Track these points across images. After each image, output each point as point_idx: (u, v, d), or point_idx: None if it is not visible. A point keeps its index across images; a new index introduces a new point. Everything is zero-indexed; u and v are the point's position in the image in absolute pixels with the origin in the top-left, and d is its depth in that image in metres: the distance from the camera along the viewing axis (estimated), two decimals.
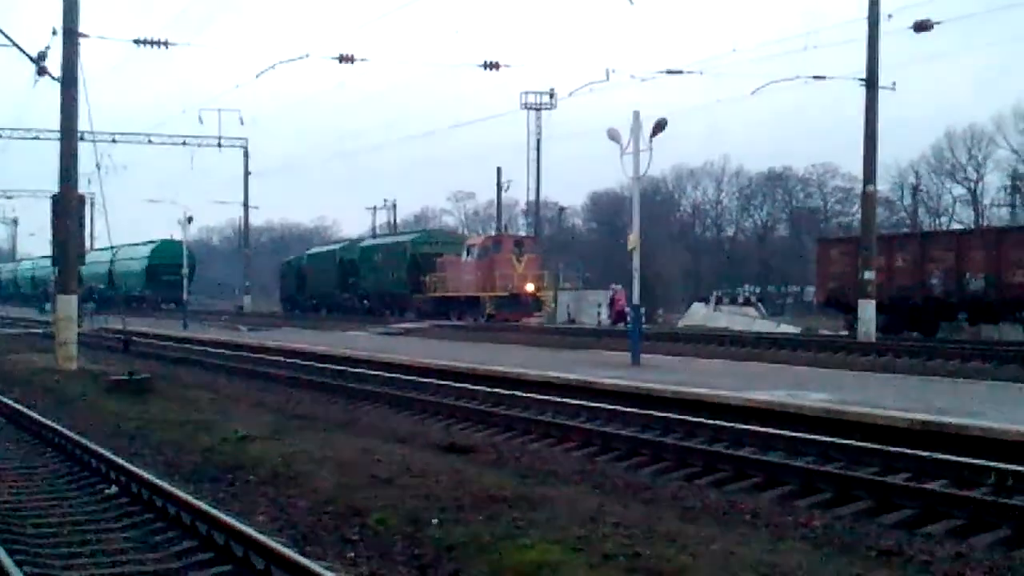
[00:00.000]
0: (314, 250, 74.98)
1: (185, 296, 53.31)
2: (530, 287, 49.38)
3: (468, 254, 51.86)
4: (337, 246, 70.70)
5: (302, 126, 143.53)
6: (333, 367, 24.85)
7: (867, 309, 31.89)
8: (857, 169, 35.09)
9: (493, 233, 61.26)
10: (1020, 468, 10.80)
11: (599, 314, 51.91)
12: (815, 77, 34.08)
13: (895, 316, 35.81)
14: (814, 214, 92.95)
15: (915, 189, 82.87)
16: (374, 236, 73.18)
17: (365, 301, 61.62)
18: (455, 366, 22.87)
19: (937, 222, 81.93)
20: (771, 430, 13.80)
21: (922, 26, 30.95)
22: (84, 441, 13.23)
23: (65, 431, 14.20)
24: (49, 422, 15.20)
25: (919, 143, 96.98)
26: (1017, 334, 34.41)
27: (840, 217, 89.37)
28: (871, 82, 31.82)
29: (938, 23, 30.76)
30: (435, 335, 40.55)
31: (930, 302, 35.51)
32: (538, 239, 60.62)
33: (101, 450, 12.45)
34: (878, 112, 32.02)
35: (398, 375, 22.52)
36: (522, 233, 68.22)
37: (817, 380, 19.33)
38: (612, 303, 50.46)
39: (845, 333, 36.39)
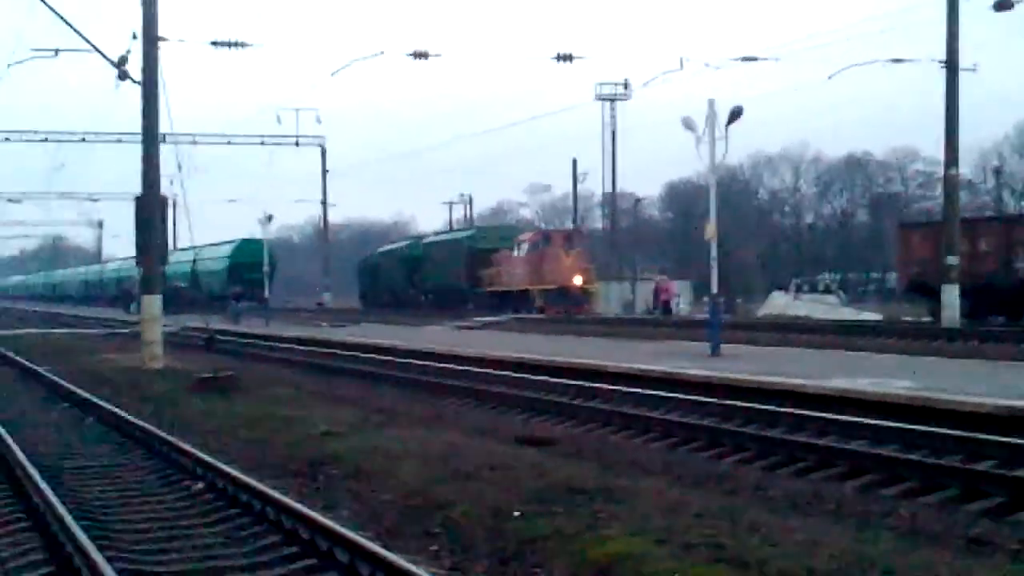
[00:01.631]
0: (384, 248, 76.09)
1: (267, 294, 53.90)
2: (578, 280, 50.07)
3: (519, 249, 52.98)
4: (403, 243, 71.77)
5: (379, 123, 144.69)
6: (413, 362, 24.99)
7: (951, 294, 31.39)
8: (938, 153, 34.59)
9: (545, 229, 61.45)
10: None
11: (646, 304, 52.08)
12: (893, 60, 33.65)
13: (979, 301, 35.16)
14: (895, 199, 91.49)
15: (998, 171, 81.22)
16: (437, 233, 73.80)
17: (428, 296, 62.94)
18: (534, 359, 22.88)
19: (1021, 204, 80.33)
20: (854, 418, 13.64)
21: (1003, 5, 30.40)
22: (170, 438, 13.46)
23: (152, 428, 14.47)
24: (136, 420, 15.50)
25: (1002, 124, 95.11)
26: None
27: (922, 202, 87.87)
28: (951, 64, 31.30)
29: (1019, 1, 30.21)
30: (514, 328, 40.62)
31: (1016, 286, 34.82)
32: (585, 233, 61.42)
33: (187, 447, 12.67)
34: (959, 94, 31.49)
35: (477, 368, 22.60)
36: (570, 227, 68.30)
37: (900, 367, 19.07)
38: (657, 294, 51.06)
39: (929, 319, 35.84)
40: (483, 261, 56.04)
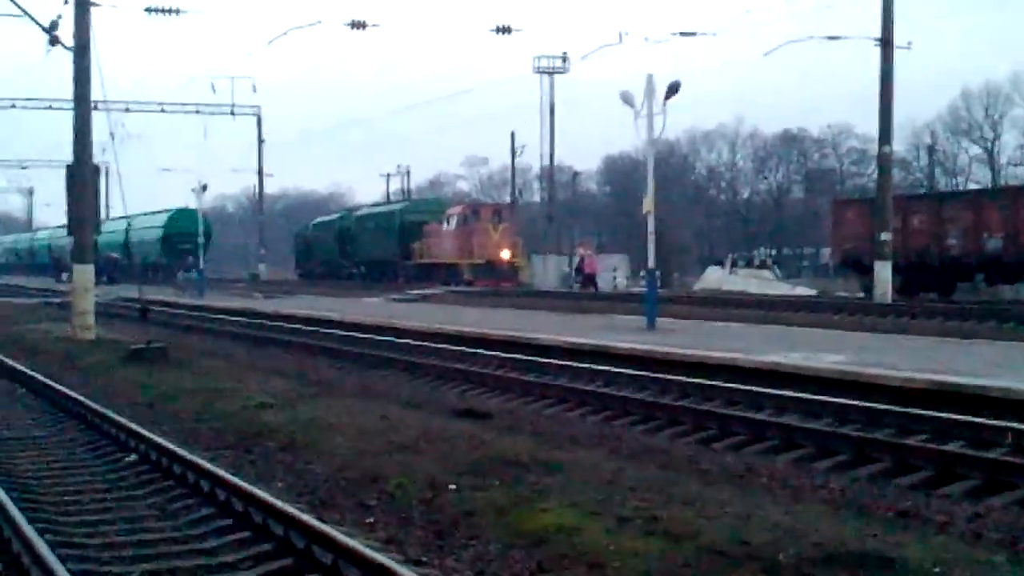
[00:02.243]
0: (319, 220, 76.62)
1: (202, 264, 53.39)
2: (505, 254, 51.19)
3: (448, 223, 53.69)
4: (336, 216, 72.52)
5: (316, 93, 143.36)
6: (348, 334, 24.89)
7: (883, 270, 31.80)
8: (873, 130, 34.92)
9: (469, 202, 62.09)
10: None
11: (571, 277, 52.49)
12: (829, 38, 33.90)
13: (911, 277, 35.68)
14: (829, 175, 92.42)
15: (931, 149, 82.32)
16: (370, 206, 74.06)
17: (361, 268, 63.81)
18: (470, 331, 22.88)
19: (953, 182, 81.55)
20: (788, 392, 13.78)
21: None
22: (103, 410, 13.30)
23: (84, 400, 14.28)
24: (68, 391, 15.30)
25: (935, 103, 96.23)
26: None
27: (856, 178, 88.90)
28: (886, 41, 31.61)
29: None
30: (448, 301, 40.58)
31: (947, 263, 35.36)
32: (514, 208, 62.14)
33: (120, 418, 12.53)
34: (893, 71, 31.82)
35: (413, 341, 22.55)
36: (500, 201, 68.91)
37: (833, 342, 19.30)
38: (580, 266, 51.19)
39: (861, 295, 36.29)
40: (414, 234, 56.72)
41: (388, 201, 79.87)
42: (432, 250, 54.84)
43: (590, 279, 49.11)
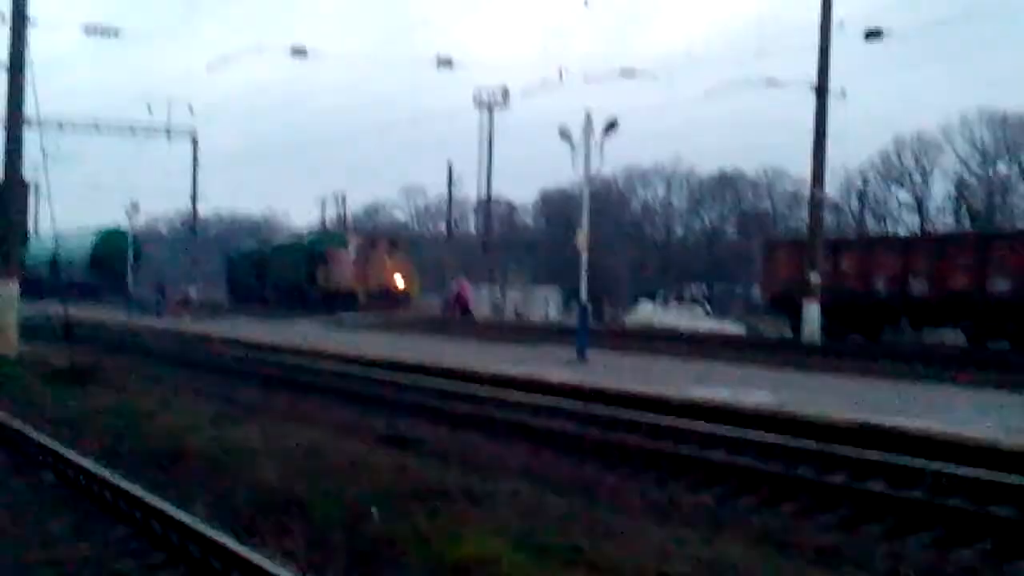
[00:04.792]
0: (244, 248, 79.36)
1: (130, 285, 52.78)
2: (400, 283, 55.49)
3: (349, 253, 57.63)
4: (255, 246, 76.42)
5: (255, 117, 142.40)
6: (277, 359, 24.70)
7: (812, 311, 32.16)
8: (806, 173, 35.39)
9: (371, 234, 66.12)
10: (955, 470, 10.93)
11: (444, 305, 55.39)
12: (767, 82, 34.34)
13: (840, 319, 36.11)
14: (763, 217, 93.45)
15: (862, 194, 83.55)
16: (288, 238, 77.14)
17: (275, 293, 66.80)
18: (402, 359, 22.81)
19: (883, 227, 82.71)
20: (713, 429, 13.88)
21: (873, 34, 31.31)
22: (22, 428, 13.06)
23: (2, 417, 14.01)
24: None
25: (868, 149, 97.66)
26: (959, 338, 34.86)
27: (789, 220, 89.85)
28: (821, 89, 32.12)
29: (888, 34, 31.19)
30: (383, 328, 40.44)
31: (874, 306, 35.85)
32: (407, 240, 66.95)
33: (39, 437, 12.31)
34: (827, 118, 32.33)
35: (343, 368, 22.43)
36: (391, 234, 73.20)
37: (761, 380, 19.47)
38: (455, 295, 53.77)
39: (791, 335, 36.66)
40: (319, 263, 60.35)
41: (305, 235, 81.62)
42: (334, 277, 58.35)
43: (464, 308, 52.07)
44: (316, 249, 62.09)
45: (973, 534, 9.18)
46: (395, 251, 56.97)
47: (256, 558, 7.21)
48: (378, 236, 61.64)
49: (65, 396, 17.33)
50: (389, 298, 54.24)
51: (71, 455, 11.13)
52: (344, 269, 57.32)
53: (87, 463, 10.62)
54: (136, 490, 9.34)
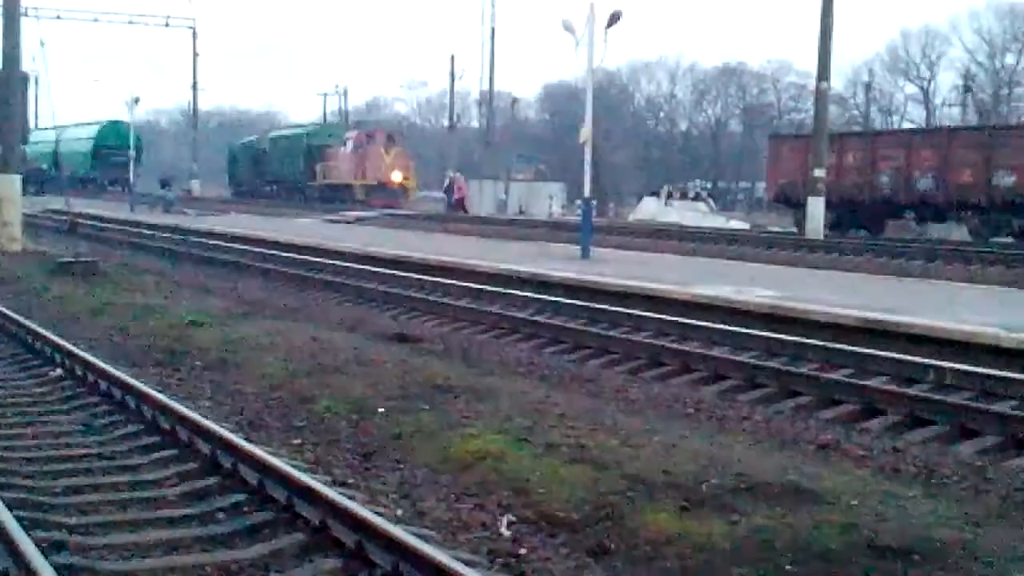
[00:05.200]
0: (243, 140, 77.85)
1: (132, 178, 52.56)
2: (396, 177, 54.71)
3: (346, 147, 57.12)
4: (256, 136, 74.85)
5: (254, 10, 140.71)
6: (281, 254, 24.69)
7: (816, 206, 32.04)
8: (811, 66, 35.01)
9: (368, 128, 63.87)
10: (959, 365, 10.98)
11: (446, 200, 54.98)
12: None
13: (843, 214, 36.06)
14: (767, 110, 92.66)
15: (868, 87, 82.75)
16: (285, 127, 75.49)
17: (272, 187, 67.14)
18: (405, 256, 22.80)
19: (889, 121, 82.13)
20: (716, 325, 13.92)
21: None
22: (28, 323, 13.11)
23: (9, 312, 14.05)
24: None
25: (874, 42, 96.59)
26: (963, 233, 34.83)
27: (793, 114, 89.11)
28: None
29: None
30: (386, 224, 40.39)
31: (878, 201, 35.75)
32: (404, 135, 65.99)
33: (46, 332, 12.35)
34: (833, 9, 31.85)
35: (346, 263, 22.43)
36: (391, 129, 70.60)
37: (764, 276, 19.49)
38: (451, 190, 53.93)
39: (794, 230, 36.61)
40: (317, 157, 60.21)
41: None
42: (332, 172, 58.25)
43: (459, 203, 52.31)
44: (313, 143, 61.67)
45: (975, 430, 9.26)
46: (393, 146, 56.15)
47: (262, 454, 7.27)
48: (376, 130, 60.56)
49: (70, 292, 17.38)
50: (387, 193, 53.72)
51: (78, 351, 11.18)
52: (342, 164, 56.92)
53: (94, 359, 10.67)
54: (143, 386, 9.39)
